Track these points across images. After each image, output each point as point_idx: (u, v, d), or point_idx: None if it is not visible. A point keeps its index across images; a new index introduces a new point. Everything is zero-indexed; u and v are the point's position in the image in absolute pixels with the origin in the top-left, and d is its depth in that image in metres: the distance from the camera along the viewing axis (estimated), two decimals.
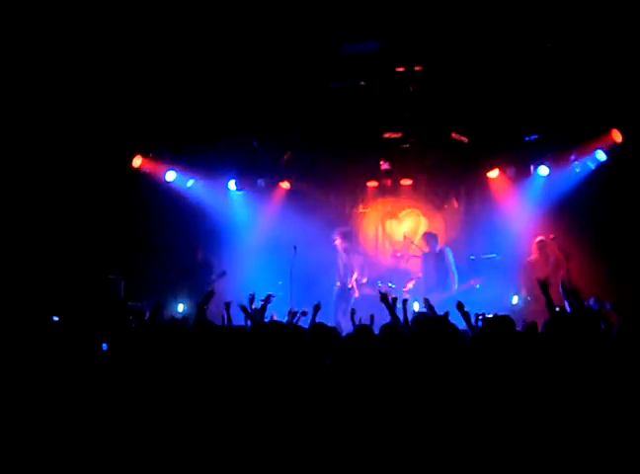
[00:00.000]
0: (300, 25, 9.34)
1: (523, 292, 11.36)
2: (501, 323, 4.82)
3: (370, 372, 4.28)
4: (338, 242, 12.46)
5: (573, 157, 11.90)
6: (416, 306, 10.69)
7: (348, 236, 12.51)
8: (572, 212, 11.83)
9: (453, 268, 11.90)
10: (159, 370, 4.61)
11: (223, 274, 11.87)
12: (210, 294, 7.36)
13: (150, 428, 4.21)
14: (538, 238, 11.66)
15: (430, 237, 12.31)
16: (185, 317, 8.23)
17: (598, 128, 11.37)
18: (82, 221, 10.98)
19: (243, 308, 6.99)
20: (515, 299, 11.17)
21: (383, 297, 6.61)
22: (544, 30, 9.48)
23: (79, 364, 4.80)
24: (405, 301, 7.00)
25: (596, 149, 11.57)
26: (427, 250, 12.25)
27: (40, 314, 7.03)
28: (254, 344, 4.88)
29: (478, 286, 11.53)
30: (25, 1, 8.77)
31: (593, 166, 11.80)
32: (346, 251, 12.50)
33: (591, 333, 4.36)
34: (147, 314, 8.72)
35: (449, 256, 11.98)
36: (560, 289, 6.62)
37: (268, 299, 7.52)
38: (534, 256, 11.73)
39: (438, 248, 12.14)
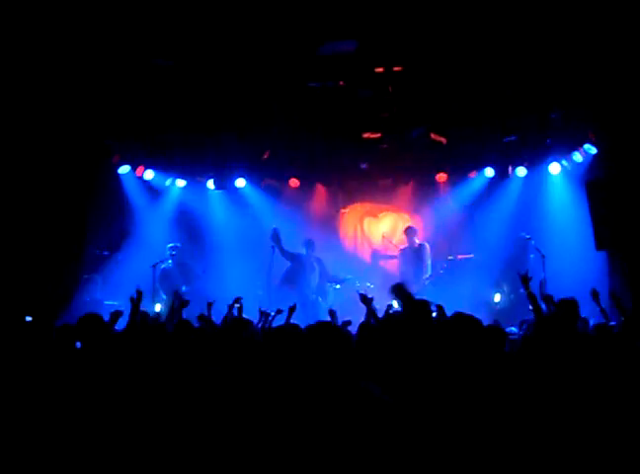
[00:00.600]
0: (278, 24, 9.30)
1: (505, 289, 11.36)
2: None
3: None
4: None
5: (550, 158, 11.98)
6: (395, 304, 10.70)
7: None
8: (549, 213, 11.93)
9: (429, 262, 11.97)
10: (136, 369, 4.59)
11: (203, 273, 11.87)
12: (186, 303, 7.29)
13: (126, 426, 4.18)
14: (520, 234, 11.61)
15: (410, 231, 12.29)
16: (158, 315, 8.18)
17: (575, 130, 11.46)
18: (57, 220, 10.87)
19: (202, 318, 6.89)
20: (497, 297, 11.16)
21: (363, 298, 6.64)
22: (522, 31, 9.51)
23: (52, 364, 4.76)
24: (390, 306, 7.06)
25: (573, 151, 11.69)
26: (406, 243, 12.29)
27: (12, 314, 6.99)
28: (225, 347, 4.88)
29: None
30: None
31: (570, 167, 11.90)
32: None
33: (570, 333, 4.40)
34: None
35: (427, 251, 12.04)
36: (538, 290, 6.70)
37: (237, 301, 7.49)
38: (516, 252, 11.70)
39: (417, 242, 12.16)
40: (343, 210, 14.04)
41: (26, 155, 10.43)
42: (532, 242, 11.24)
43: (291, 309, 7.01)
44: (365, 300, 6.59)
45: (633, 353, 4.61)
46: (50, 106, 10.38)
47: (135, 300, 6.35)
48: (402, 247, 12.37)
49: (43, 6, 8.65)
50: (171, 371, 4.52)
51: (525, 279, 6.50)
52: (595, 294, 6.89)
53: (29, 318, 6.91)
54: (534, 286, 7.37)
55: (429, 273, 11.87)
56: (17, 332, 5.39)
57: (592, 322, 7.02)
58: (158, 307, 10.63)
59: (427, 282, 11.69)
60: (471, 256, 12.45)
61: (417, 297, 5.15)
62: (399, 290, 4.97)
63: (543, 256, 10.63)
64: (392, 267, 12.93)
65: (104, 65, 9.99)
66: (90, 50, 9.59)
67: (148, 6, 8.84)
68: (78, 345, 5.16)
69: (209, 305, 7.18)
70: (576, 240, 11.15)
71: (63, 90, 10.26)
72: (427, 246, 12.11)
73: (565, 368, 4.16)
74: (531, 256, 11.21)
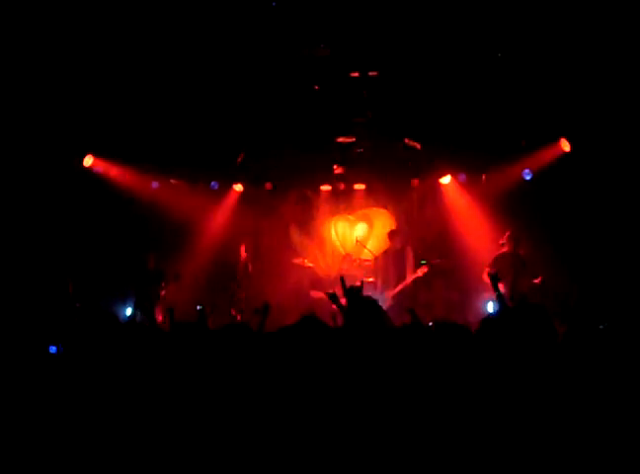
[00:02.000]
0: (253, 28, 9.33)
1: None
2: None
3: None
4: None
5: (522, 164, 12.08)
6: None
7: None
8: (522, 217, 12.02)
9: (409, 264, 11.83)
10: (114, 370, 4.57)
11: (177, 276, 11.80)
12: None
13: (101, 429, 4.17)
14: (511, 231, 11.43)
15: (394, 234, 12.24)
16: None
17: (547, 136, 11.57)
18: (28, 222, 10.79)
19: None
20: (490, 307, 11.01)
21: (332, 297, 6.60)
22: (496, 39, 9.62)
23: (26, 368, 4.73)
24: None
25: (545, 156, 11.80)
26: (386, 247, 12.28)
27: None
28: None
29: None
30: None
31: (540, 172, 12.01)
32: None
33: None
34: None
35: (409, 254, 11.94)
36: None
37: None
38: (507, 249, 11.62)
39: (399, 245, 12.07)
40: (316, 215, 14.05)
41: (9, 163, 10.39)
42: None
43: (265, 307, 6.95)
44: (335, 300, 6.53)
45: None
46: (24, 107, 10.32)
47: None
48: (385, 249, 12.30)
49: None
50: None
51: (495, 279, 6.49)
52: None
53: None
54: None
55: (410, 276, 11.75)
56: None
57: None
58: (129, 311, 10.58)
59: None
60: (444, 260, 12.48)
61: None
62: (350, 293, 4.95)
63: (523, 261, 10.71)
64: (365, 271, 12.95)
65: (79, 64, 9.96)
66: (66, 52, 9.55)
67: (128, 7, 8.83)
68: (53, 350, 5.13)
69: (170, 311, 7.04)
70: (548, 246, 11.27)
71: (36, 92, 10.22)
72: (409, 250, 12.01)
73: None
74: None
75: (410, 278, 11.57)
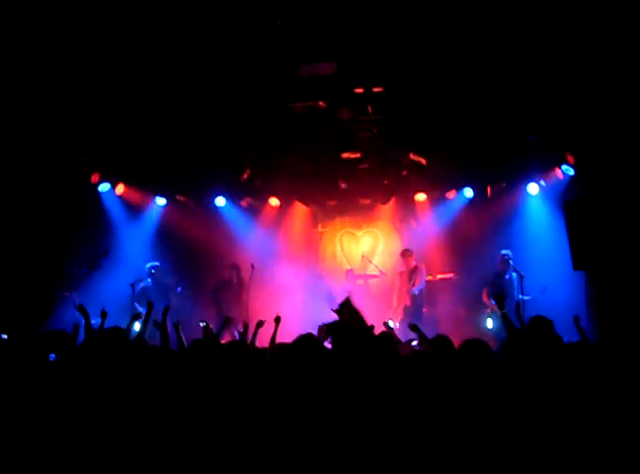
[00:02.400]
0: (259, 44, 9.37)
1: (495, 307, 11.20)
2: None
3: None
4: None
5: (529, 178, 12.08)
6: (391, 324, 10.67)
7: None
8: (527, 232, 12.02)
9: (420, 279, 11.92)
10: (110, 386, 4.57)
11: (180, 286, 11.84)
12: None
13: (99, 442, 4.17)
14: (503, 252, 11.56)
15: (406, 253, 12.31)
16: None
17: (553, 151, 11.55)
18: (36, 238, 10.81)
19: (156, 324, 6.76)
20: (489, 323, 10.97)
21: (338, 312, 6.56)
22: (500, 54, 9.63)
23: (27, 383, 4.72)
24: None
25: (551, 171, 11.78)
26: (402, 266, 12.30)
27: None
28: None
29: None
30: None
31: (548, 187, 11.99)
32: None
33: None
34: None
35: (422, 270, 12.03)
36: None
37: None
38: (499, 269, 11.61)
39: (413, 264, 12.14)
40: (322, 230, 14.08)
41: (4, 172, 10.38)
42: (511, 262, 11.28)
43: (277, 320, 6.96)
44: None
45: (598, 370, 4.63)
46: (31, 123, 10.35)
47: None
48: (400, 270, 12.34)
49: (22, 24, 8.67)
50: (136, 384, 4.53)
51: (500, 299, 6.50)
52: (576, 319, 6.75)
53: (4, 336, 6.85)
54: (511, 306, 7.42)
55: (418, 288, 11.85)
56: None
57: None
58: (137, 326, 10.57)
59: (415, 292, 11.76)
60: (450, 276, 12.48)
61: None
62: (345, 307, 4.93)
63: (522, 276, 10.68)
64: (371, 286, 12.95)
65: (85, 84, 9.99)
66: (71, 69, 9.59)
67: (131, 25, 8.87)
68: (52, 357, 5.13)
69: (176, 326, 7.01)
70: (554, 260, 11.19)
71: (44, 108, 10.25)
72: (422, 266, 12.08)
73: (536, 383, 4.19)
74: (513, 274, 11.19)
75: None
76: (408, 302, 11.78)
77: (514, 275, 11.13)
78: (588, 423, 3.95)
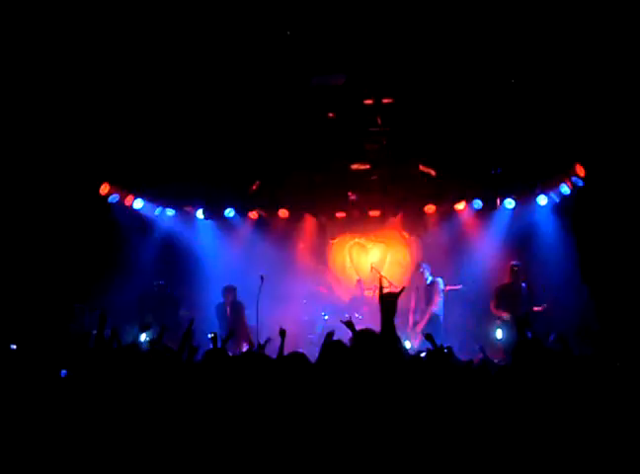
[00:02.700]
0: (269, 56, 9.42)
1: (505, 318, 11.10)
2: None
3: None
4: None
5: (538, 190, 12.05)
6: (407, 345, 10.61)
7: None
8: (537, 244, 11.99)
9: (438, 298, 11.66)
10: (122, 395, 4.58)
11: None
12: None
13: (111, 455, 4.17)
14: (513, 263, 11.44)
15: (422, 267, 12.05)
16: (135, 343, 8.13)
17: (562, 162, 11.54)
18: (47, 248, 10.85)
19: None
20: (499, 334, 10.87)
21: (348, 324, 6.55)
22: (509, 66, 9.65)
23: (36, 393, 4.73)
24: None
25: (560, 183, 11.76)
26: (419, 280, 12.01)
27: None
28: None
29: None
30: None
31: (557, 199, 11.96)
32: None
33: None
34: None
35: (439, 286, 11.75)
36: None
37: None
38: (508, 280, 11.49)
39: (429, 278, 11.88)
40: (331, 241, 14.07)
41: (15, 184, 10.44)
42: (520, 274, 11.24)
43: (282, 333, 6.93)
44: (350, 325, 6.49)
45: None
46: (41, 136, 10.41)
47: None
48: (418, 284, 11.99)
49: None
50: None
51: (522, 324, 6.45)
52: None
53: (13, 346, 6.86)
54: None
55: (439, 304, 11.63)
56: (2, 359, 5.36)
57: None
58: (144, 337, 10.59)
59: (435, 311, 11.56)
60: (459, 287, 12.43)
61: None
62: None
63: (531, 289, 10.64)
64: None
65: (94, 95, 10.05)
66: (79, 80, 9.65)
67: (146, 38, 8.94)
68: (63, 373, 5.14)
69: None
70: (563, 272, 11.16)
71: (54, 120, 10.31)
72: (439, 282, 11.82)
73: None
74: (523, 284, 11.15)
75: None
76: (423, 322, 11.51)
77: (523, 285, 11.10)
78: (590, 433, 3.94)
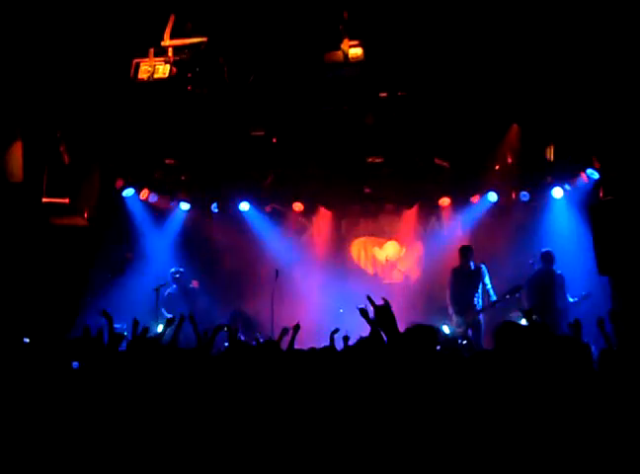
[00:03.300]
0: (283, 49, 9.39)
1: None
2: None
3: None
4: None
5: (552, 182, 11.99)
6: (446, 329, 10.48)
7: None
8: (553, 237, 11.92)
9: (489, 286, 11.09)
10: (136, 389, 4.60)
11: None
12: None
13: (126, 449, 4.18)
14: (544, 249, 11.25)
15: (465, 251, 11.40)
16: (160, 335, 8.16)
17: (578, 155, 11.46)
18: (62, 242, 10.88)
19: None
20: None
21: (362, 312, 6.53)
22: (524, 56, 9.58)
23: (49, 387, 4.75)
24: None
25: (576, 175, 11.68)
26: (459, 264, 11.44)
27: (10, 335, 6.96)
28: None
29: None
30: None
31: (570, 189, 11.92)
32: None
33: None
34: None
35: (485, 273, 11.20)
36: None
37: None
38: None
39: (472, 264, 11.28)
40: (346, 235, 14.06)
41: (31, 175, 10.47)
42: (535, 267, 11.21)
43: (295, 328, 6.94)
44: (365, 314, 6.46)
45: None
46: (54, 127, 10.44)
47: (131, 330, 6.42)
48: (454, 267, 11.52)
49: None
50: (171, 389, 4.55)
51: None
52: (600, 322, 6.66)
53: (26, 340, 6.88)
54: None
55: (493, 297, 10.99)
56: (15, 353, 5.37)
57: (594, 348, 6.90)
58: (160, 328, 10.65)
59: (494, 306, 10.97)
60: None
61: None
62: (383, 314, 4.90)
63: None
64: (395, 291, 12.88)
65: (108, 89, 10.06)
66: (94, 72, 9.67)
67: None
68: (75, 365, 5.16)
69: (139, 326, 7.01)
70: (579, 264, 11.10)
71: (67, 113, 10.33)
72: (484, 268, 11.22)
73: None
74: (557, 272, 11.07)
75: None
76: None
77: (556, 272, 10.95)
78: (605, 427, 3.91)
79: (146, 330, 6.32)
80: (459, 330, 10.60)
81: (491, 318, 10.90)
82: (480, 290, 11.12)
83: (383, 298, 5.38)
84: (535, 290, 10.95)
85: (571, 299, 10.72)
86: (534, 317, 6.54)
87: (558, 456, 3.74)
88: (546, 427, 3.86)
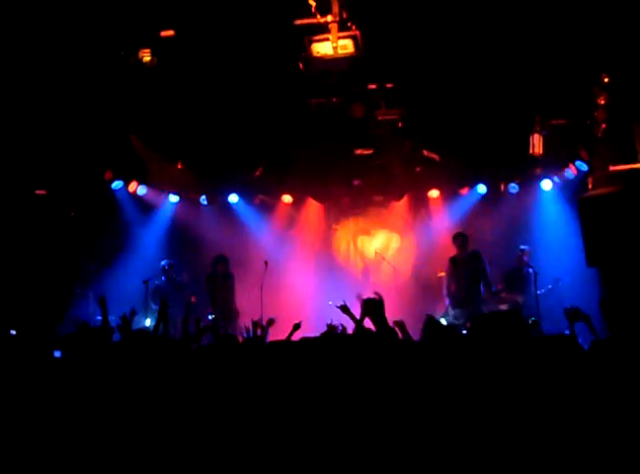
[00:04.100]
0: (271, 40, 9.36)
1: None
2: None
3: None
4: None
5: (541, 175, 12.03)
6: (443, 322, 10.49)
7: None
8: (541, 228, 11.98)
9: (486, 272, 11.10)
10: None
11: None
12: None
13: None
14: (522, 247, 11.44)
15: (459, 238, 11.35)
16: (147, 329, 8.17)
17: (566, 147, 11.49)
18: (51, 234, 10.85)
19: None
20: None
21: (343, 308, 6.55)
22: (513, 49, 9.59)
23: (36, 378, 4.73)
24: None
25: (564, 167, 11.72)
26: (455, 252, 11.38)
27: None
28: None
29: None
30: None
31: (558, 181, 11.95)
32: None
33: None
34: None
35: (482, 259, 11.16)
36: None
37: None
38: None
39: (467, 251, 11.27)
40: (335, 227, 14.06)
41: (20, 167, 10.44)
42: (525, 258, 11.28)
43: (295, 326, 6.95)
44: (346, 310, 6.48)
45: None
46: (42, 119, 10.39)
47: (128, 318, 6.40)
48: (451, 256, 11.45)
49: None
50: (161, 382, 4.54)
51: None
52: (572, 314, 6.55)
53: (13, 332, 6.85)
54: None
55: (487, 284, 11.10)
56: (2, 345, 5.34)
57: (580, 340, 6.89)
58: (148, 322, 10.65)
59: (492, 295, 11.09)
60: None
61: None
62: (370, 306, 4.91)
63: (536, 272, 10.65)
64: (384, 283, 12.90)
65: (97, 78, 10.01)
66: (82, 62, 9.62)
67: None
68: (58, 354, 5.14)
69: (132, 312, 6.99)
70: (568, 256, 11.15)
71: (56, 104, 10.29)
72: (480, 254, 11.22)
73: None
74: (530, 270, 11.16)
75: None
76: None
77: (530, 270, 11.07)
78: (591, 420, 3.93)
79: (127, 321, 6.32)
80: (458, 322, 10.62)
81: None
82: (481, 279, 11.12)
83: (376, 293, 5.41)
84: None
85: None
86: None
87: (550, 447, 3.76)
88: (536, 416, 3.88)
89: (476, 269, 11.13)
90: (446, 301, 11.41)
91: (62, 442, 4.20)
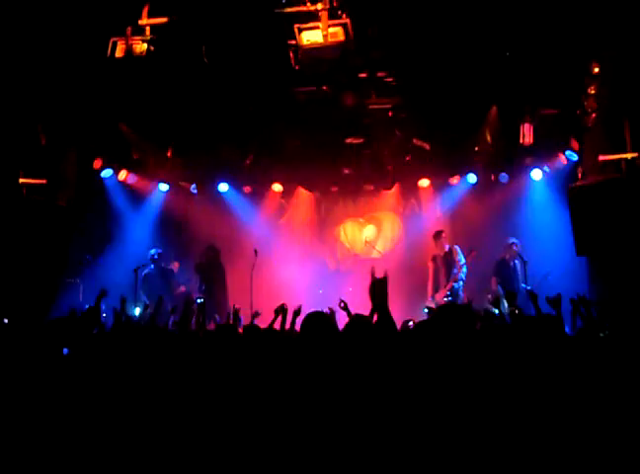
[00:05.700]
0: (262, 28, 9.32)
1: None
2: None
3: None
4: None
5: (531, 164, 12.04)
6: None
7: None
8: (531, 218, 12.01)
9: (462, 262, 11.46)
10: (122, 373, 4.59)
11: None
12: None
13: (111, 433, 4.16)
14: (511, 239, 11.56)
15: (438, 236, 11.87)
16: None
17: (557, 136, 11.51)
18: (40, 223, 10.79)
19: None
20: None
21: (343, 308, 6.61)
22: (503, 38, 9.58)
23: (29, 368, 4.71)
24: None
25: (554, 157, 11.74)
26: (437, 250, 11.84)
27: None
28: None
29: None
30: None
31: (548, 171, 11.97)
32: None
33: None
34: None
35: (458, 253, 11.58)
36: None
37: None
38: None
39: (446, 247, 11.72)
40: (325, 215, 14.06)
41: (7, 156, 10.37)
42: (515, 248, 11.32)
43: (296, 312, 6.93)
44: (345, 309, 6.55)
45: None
46: (31, 107, 10.34)
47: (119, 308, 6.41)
48: (434, 254, 11.88)
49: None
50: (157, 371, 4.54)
51: (511, 297, 6.48)
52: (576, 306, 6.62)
53: (5, 320, 6.84)
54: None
55: (463, 270, 11.46)
56: None
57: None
58: (137, 311, 10.63)
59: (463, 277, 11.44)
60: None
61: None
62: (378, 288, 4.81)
63: (525, 262, 10.69)
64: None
65: (87, 68, 9.96)
66: (69, 52, 9.57)
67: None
68: (65, 351, 5.12)
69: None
70: (558, 245, 11.18)
71: (44, 92, 10.23)
72: (457, 249, 11.64)
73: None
74: (516, 262, 11.24)
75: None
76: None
77: (517, 262, 11.16)
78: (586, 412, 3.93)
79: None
80: None
81: None
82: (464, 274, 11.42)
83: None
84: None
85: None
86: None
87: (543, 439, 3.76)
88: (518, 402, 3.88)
89: (453, 264, 11.50)
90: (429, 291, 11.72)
91: (53, 428, 4.19)
